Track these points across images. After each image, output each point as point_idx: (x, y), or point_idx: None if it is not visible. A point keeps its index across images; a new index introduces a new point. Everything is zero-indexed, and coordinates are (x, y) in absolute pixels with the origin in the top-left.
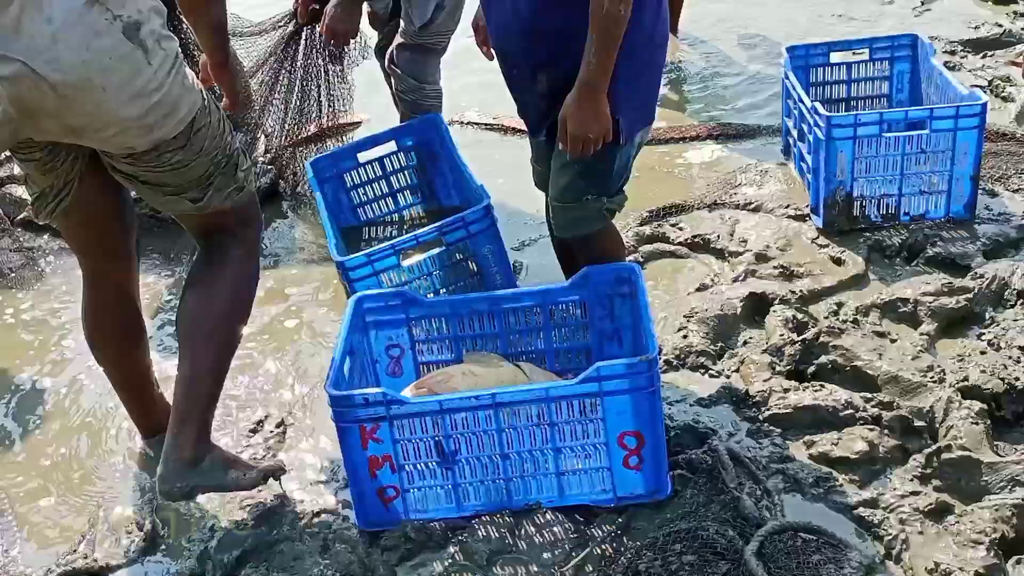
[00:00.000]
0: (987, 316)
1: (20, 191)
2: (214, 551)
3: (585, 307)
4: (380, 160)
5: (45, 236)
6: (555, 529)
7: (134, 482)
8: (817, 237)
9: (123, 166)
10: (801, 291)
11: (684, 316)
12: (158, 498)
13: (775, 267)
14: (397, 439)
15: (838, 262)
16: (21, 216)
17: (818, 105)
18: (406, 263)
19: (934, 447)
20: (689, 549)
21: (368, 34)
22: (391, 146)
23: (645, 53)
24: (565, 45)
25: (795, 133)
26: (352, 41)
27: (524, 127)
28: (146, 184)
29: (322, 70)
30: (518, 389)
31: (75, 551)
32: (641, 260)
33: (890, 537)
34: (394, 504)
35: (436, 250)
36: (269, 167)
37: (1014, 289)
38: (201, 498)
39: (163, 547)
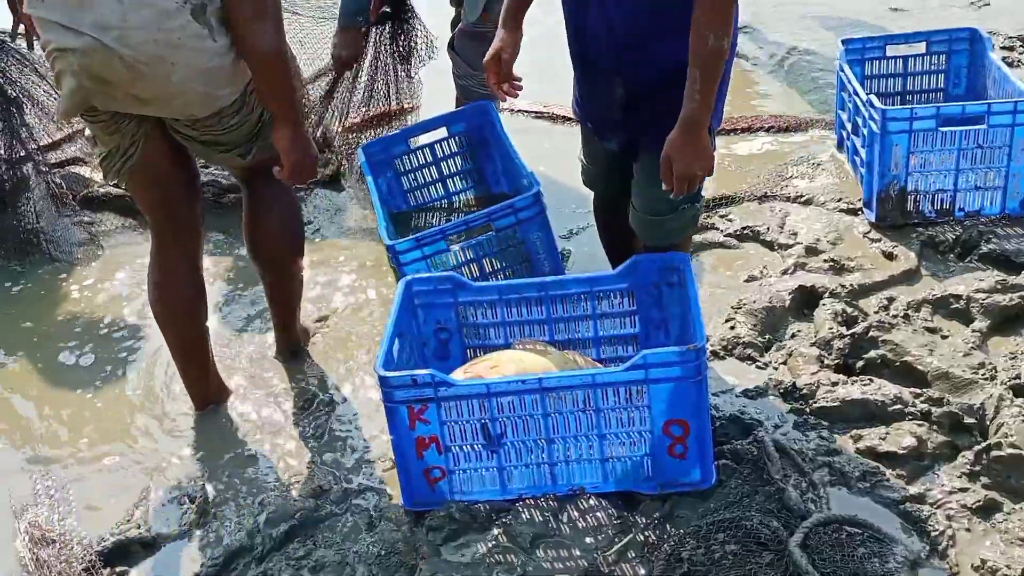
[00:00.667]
0: None
1: (84, 170)
2: (263, 525)
3: (632, 295)
4: (431, 146)
5: (107, 212)
6: (598, 515)
7: (187, 453)
8: (869, 231)
9: (184, 129)
10: (851, 285)
11: (732, 307)
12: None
13: (825, 260)
14: (444, 421)
15: (890, 257)
16: (83, 193)
17: (873, 98)
18: (455, 247)
19: (984, 444)
20: (732, 538)
21: (436, 33)
22: (442, 132)
23: (728, 68)
24: (648, 53)
25: (849, 126)
26: (420, 39)
27: (572, 116)
28: (203, 144)
29: (390, 68)
30: (565, 375)
31: (129, 520)
32: (690, 250)
33: (936, 533)
34: (440, 485)
35: (485, 235)
36: (330, 156)
37: None
38: (250, 471)
39: (214, 519)
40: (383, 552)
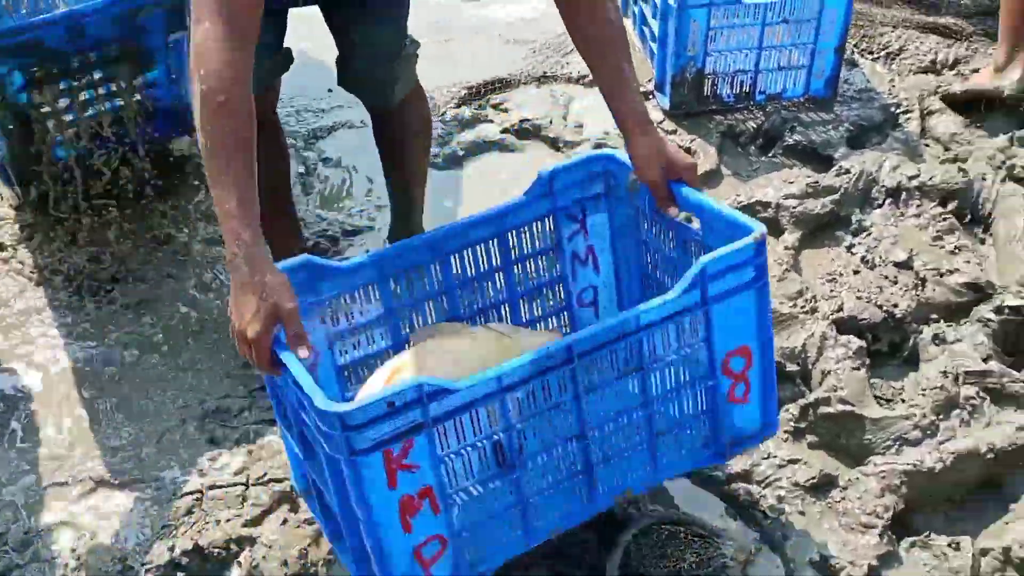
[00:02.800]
0: (854, 220)
1: None
2: None
3: (553, 222)
4: None
5: None
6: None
7: None
8: (663, 121)
9: None
10: None
11: None
12: None
13: None
14: (441, 455)
15: (688, 153)
16: None
17: None
18: None
19: (811, 398)
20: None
21: None
22: None
23: None
24: None
25: None
26: None
27: None
28: None
29: None
30: (600, 329)
31: None
32: (461, 154)
33: (768, 522)
34: (438, 567)
35: None
36: None
37: (882, 186)
38: None
39: None
40: None
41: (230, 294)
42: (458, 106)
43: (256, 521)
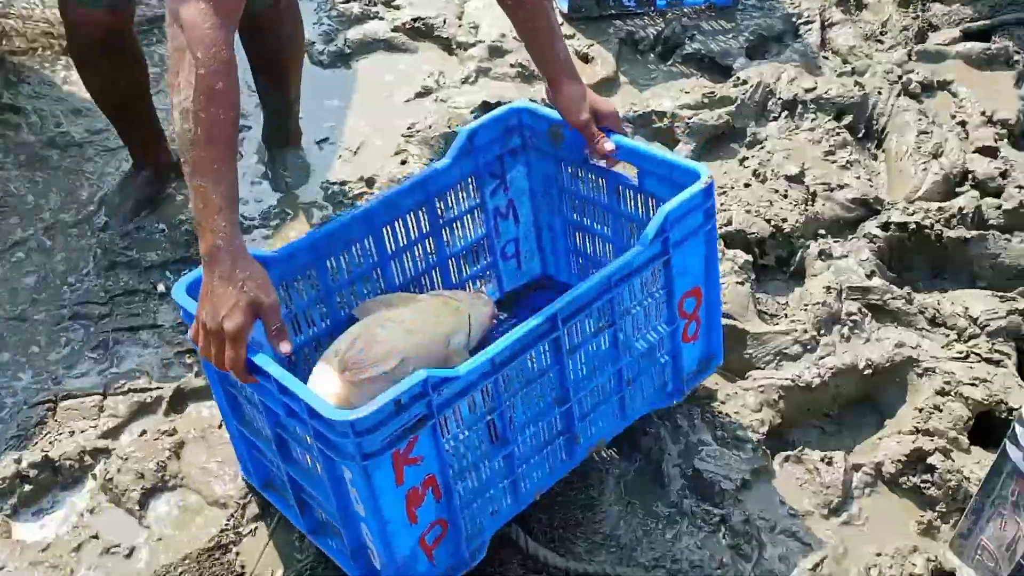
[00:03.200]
0: (749, 133)
1: None
2: None
3: (476, 181)
4: None
5: None
6: None
7: None
8: (561, 24)
9: None
10: (543, 99)
11: (402, 135)
12: None
13: (512, 65)
14: (443, 444)
15: (585, 59)
16: None
17: None
18: None
19: None
20: None
21: None
22: None
23: None
24: None
25: None
26: None
27: None
28: None
29: None
30: (578, 292)
31: None
32: (347, 52)
33: (644, 436)
34: (440, 550)
35: None
36: None
37: (779, 98)
38: None
39: None
40: None
41: (202, 289)
42: (346, 1)
43: (112, 433)
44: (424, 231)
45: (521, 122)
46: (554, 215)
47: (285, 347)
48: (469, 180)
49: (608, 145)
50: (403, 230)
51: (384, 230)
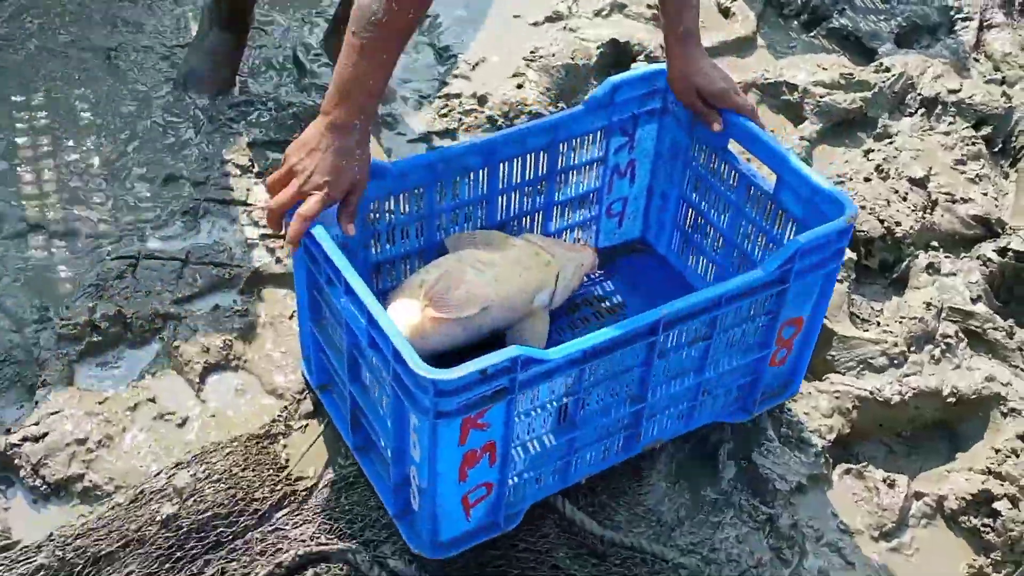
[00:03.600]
0: (880, 124)
1: None
2: None
3: (603, 135)
4: None
5: None
6: None
7: None
8: None
9: None
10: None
11: (524, 59)
12: None
13: (650, 6)
14: (513, 417)
15: (726, 14)
16: None
17: None
18: None
19: None
20: None
21: None
22: None
23: None
24: None
25: None
26: None
27: None
28: None
29: None
30: (686, 303)
31: None
32: None
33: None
34: (479, 509)
35: None
36: None
37: (919, 94)
38: None
39: None
40: None
41: (309, 141)
42: None
43: (186, 301)
44: (540, 173)
45: (667, 86)
46: (671, 186)
47: (351, 229)
48: (599, 132)
49: (716, 126)
50: (520, 169)
51: (501, 164)
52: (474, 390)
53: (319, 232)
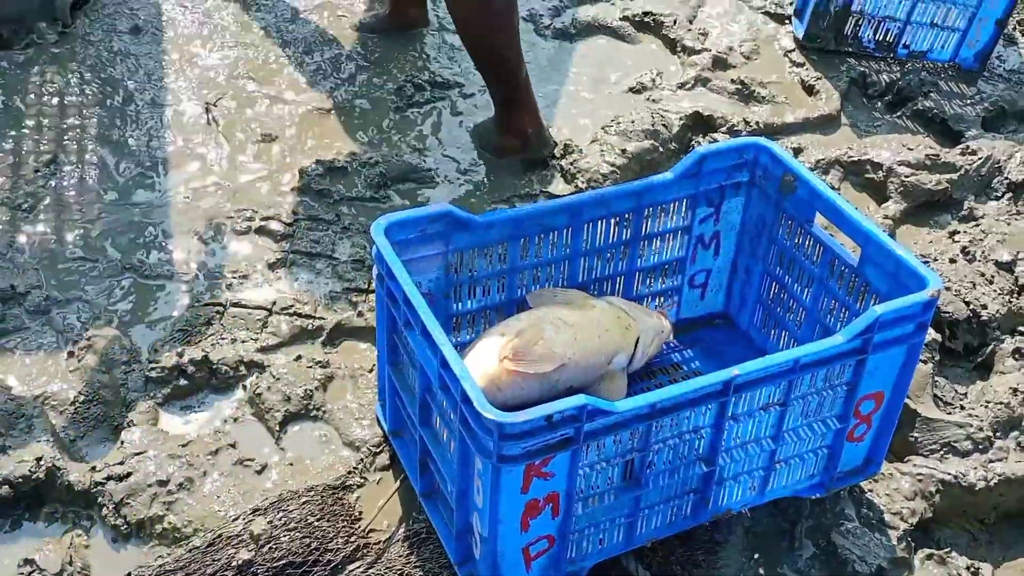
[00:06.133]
0: (966, 206)
1: None
2: None
3: (688, 204)
4: None
5: None
6: None
7: None
8: (792, 51)
9: None
10: (756, 122)
11: (603, 128)
12: None
13: (733, 80)
14: (578, 468)
15: (810, 91)
16: None
17: None
18: None
19: None
20: None
21: None
22: None
23: None
24: None
25: None
26: None
27: None
28: None
29: None
30: (761, 366)
31: None
32: (572, 32)
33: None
34: (540, 562)
35: None
36: None
37: (1006, 177)
38: None
39: None
40: None
41: None
42: None
43: (270, 349)
44: (624, 237)
45: (756, 159)
46: (756, 261)
47: None
48: (684, 201)
49: None
50: (604, 231)
51: (586, 225)
52: (539, 436)
53: (402, 275)
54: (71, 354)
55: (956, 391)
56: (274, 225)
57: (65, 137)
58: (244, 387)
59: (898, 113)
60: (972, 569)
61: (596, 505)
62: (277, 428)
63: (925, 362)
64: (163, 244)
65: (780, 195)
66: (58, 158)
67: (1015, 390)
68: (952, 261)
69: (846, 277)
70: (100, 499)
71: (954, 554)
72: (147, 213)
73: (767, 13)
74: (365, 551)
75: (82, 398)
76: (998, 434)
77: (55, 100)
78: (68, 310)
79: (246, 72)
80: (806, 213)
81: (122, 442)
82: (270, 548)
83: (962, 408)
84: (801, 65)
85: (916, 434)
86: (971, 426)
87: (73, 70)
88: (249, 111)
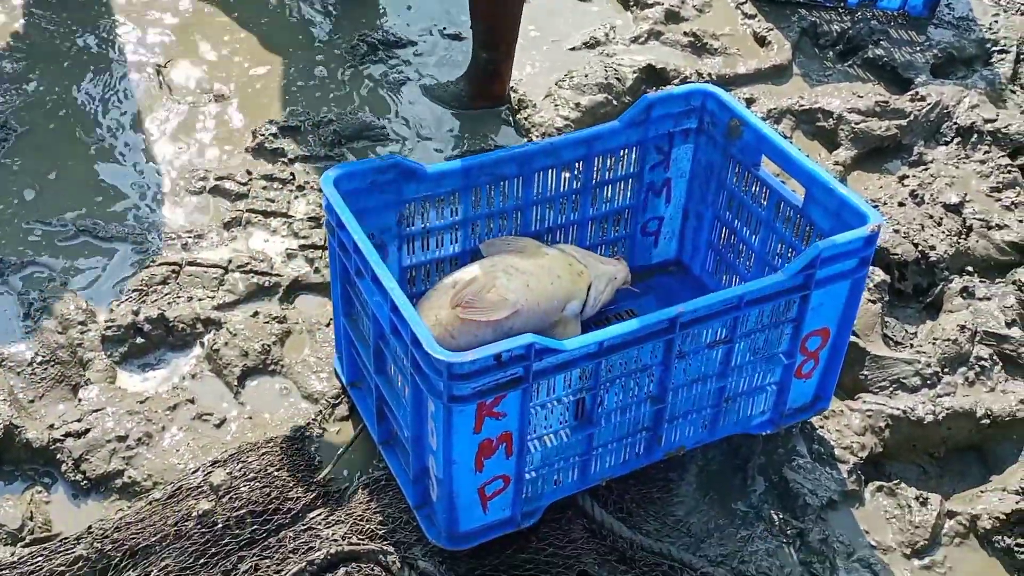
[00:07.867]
0: (916, 152)
1: None
2: None
3: (640, 151)
4: None
5: None
6: None
7: None
8: (744, 2)
9: None
10: (709, 74)
11: (558, 82)
12: None
13: (686, 33)
14: (530, 407)
15: (761, 42)
16: None
17: None
18: None
19: None
20: None
21: None
22: None
23: None
24: None
25: None
26: None
27: None
28: None
29: None
30: (705, 302)
31: None
32: None
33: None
34: (496, 502)
35: None
36: None
37: (955, 122)
38: None
39: None
40: None
41: None
42: None
43: (227, 307)
44: (575, 186)
45: (704, 106)
46: (706, 206)
47: None
48: (634, 148)
49: None
50: (555, 179)
51: (537, 174)
52: (488, 375)
53: (351, 223)
54: (27, 315)
55: (906, 331)
56: (228, 185)
57: (17, 102)
58: (202, 344)
59: (849, 62)
60: (921, 499)
61: (550, 445)
62: (235, 383)
63: (875, 302)
64: (118, 206)
65: (727, 140)
66: (8, 122)
67: (963, 327)
68: (901, 204)
69: (792, 218)
70: (59, 456)
71: (903, 485)
72: (101, 175)
73: None
74: (325, 499)
75: (39, 359)
76: (946, 370)
77: (5, 65)
78: (23, 273)
79: (198, 33)
80: (753, 157)
81: (80, 400)
82: (230, 498)
83: (911, 346)
84: (753, 17)
85: (866, 372)
86: (919, 363)
87: (22, 35)
88: (201, 71)
